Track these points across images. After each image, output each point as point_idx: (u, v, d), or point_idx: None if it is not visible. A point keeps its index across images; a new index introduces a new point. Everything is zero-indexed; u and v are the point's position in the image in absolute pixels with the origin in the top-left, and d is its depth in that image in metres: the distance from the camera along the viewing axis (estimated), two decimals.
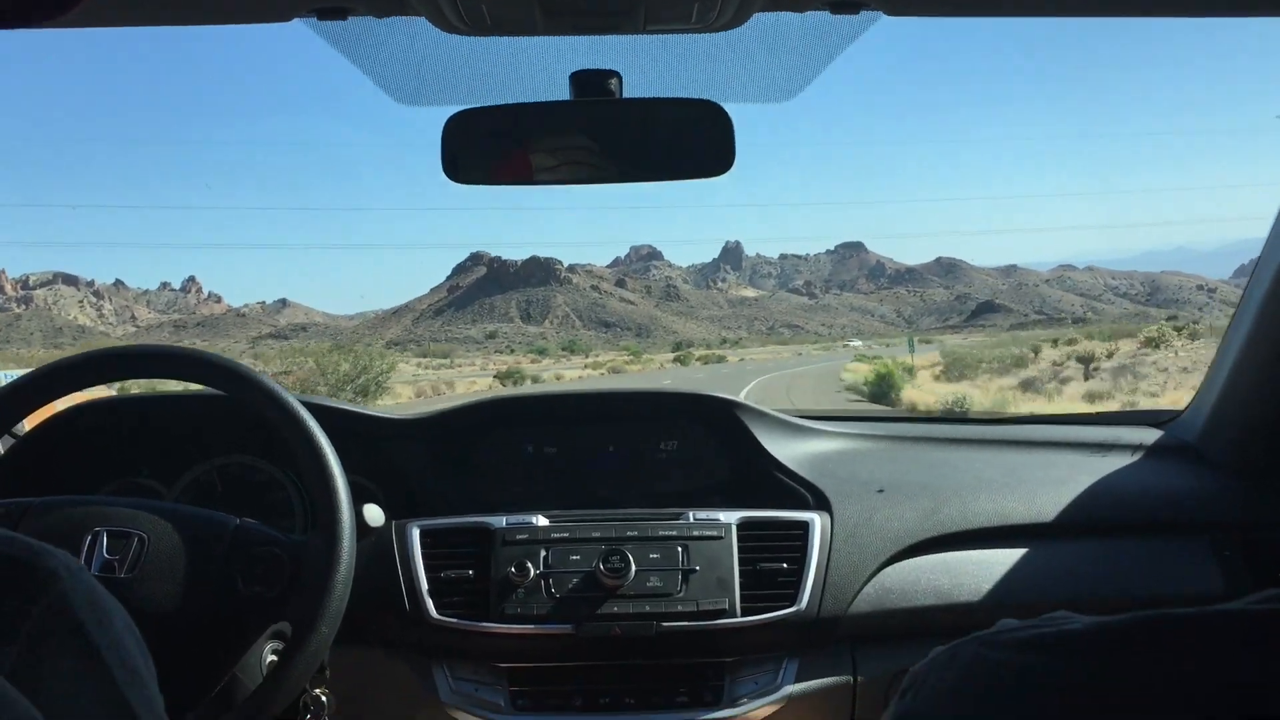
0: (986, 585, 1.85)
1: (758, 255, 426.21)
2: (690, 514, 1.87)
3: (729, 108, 1.56)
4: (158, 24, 1.34)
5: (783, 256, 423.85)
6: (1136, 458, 2.10)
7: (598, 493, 2.11)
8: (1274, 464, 1.97)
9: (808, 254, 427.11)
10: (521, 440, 2.14)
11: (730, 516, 1.86)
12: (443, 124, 1.56)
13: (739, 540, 1.83)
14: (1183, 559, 1.90)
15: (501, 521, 1.86)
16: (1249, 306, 1.94)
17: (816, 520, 1.87)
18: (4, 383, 1.55)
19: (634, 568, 1.75)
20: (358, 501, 1.51)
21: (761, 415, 2.14)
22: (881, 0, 1.25)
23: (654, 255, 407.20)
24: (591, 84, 1.53)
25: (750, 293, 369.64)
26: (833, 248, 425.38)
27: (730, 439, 2.12)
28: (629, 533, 1.84)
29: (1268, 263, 1.86)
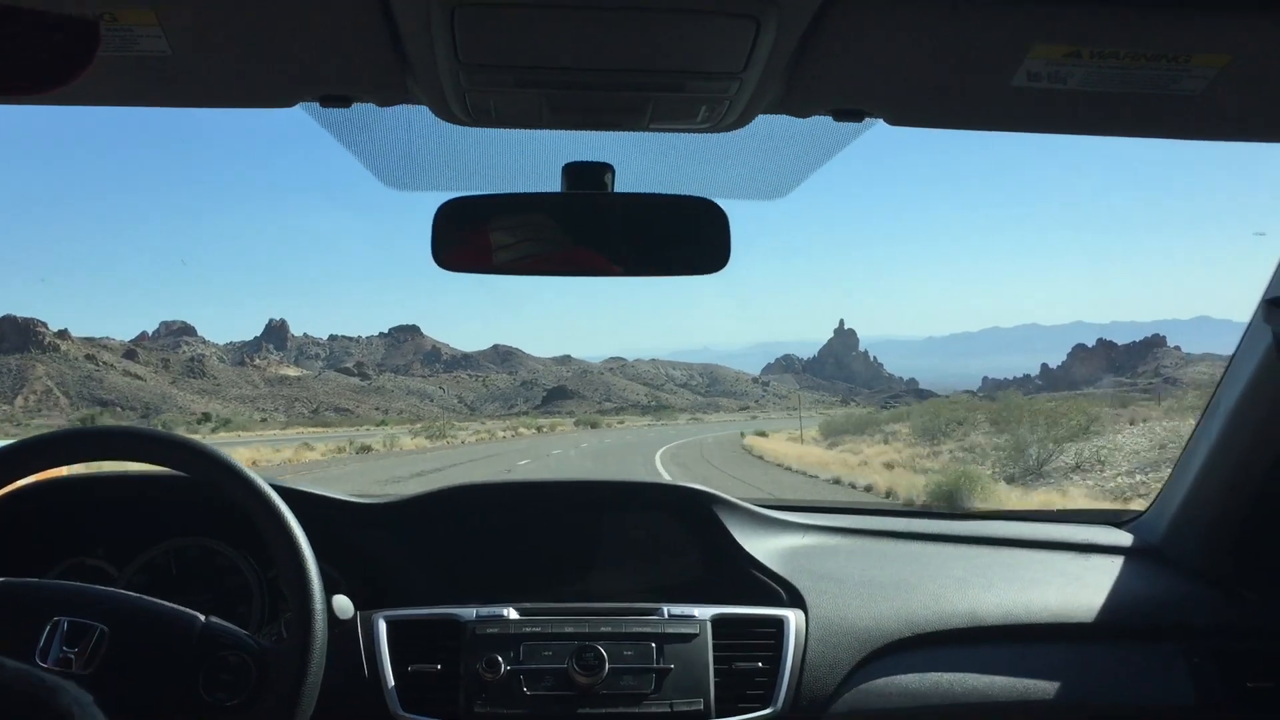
0: (961, 689, 1.84)
1: (305, 335, 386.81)
2: (665, 609, 1.84)
3: (721, 204, 1.54)
4: (158, 105, 1.30)
5: (332, 337, 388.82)
6: (1103, 559, 2.13)
7: (568, 582, 2.07)
8: (1240, 571, 2.01)
9: (360, 335, 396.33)
10: (490, 528, 2.10)
11: (704, 612, 1.83)
12: (434, 210, 1.53)
13: (714, 638, 1.79)
14: (1155, 666, 1.91)
15: (472, 614, 1.81)
16: (1215, 413, 1.98)
17: (791, 617, 1.85)
18: None
19: (608, 665, 1.71)
20: (325, 591, 1.44)
21: (734, 508, 2.13)
22: (883, 109, 1.27)
23: (186, 331, 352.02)
24: (584, 176, 1.53)
25: (293, 371, 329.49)
26: (386, 330, 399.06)
27: (703, 532, 2.10)
28: (602, 628, 1.79)
29: (1236, 373, 1.91)
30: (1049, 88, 1.16)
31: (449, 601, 1.87)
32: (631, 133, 1.39)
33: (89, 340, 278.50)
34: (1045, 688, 1.85)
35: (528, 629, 1.78)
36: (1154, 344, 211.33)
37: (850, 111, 1.26)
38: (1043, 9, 1.02)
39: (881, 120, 1.29)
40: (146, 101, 1.29)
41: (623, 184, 1.55)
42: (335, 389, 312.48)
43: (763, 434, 51.38)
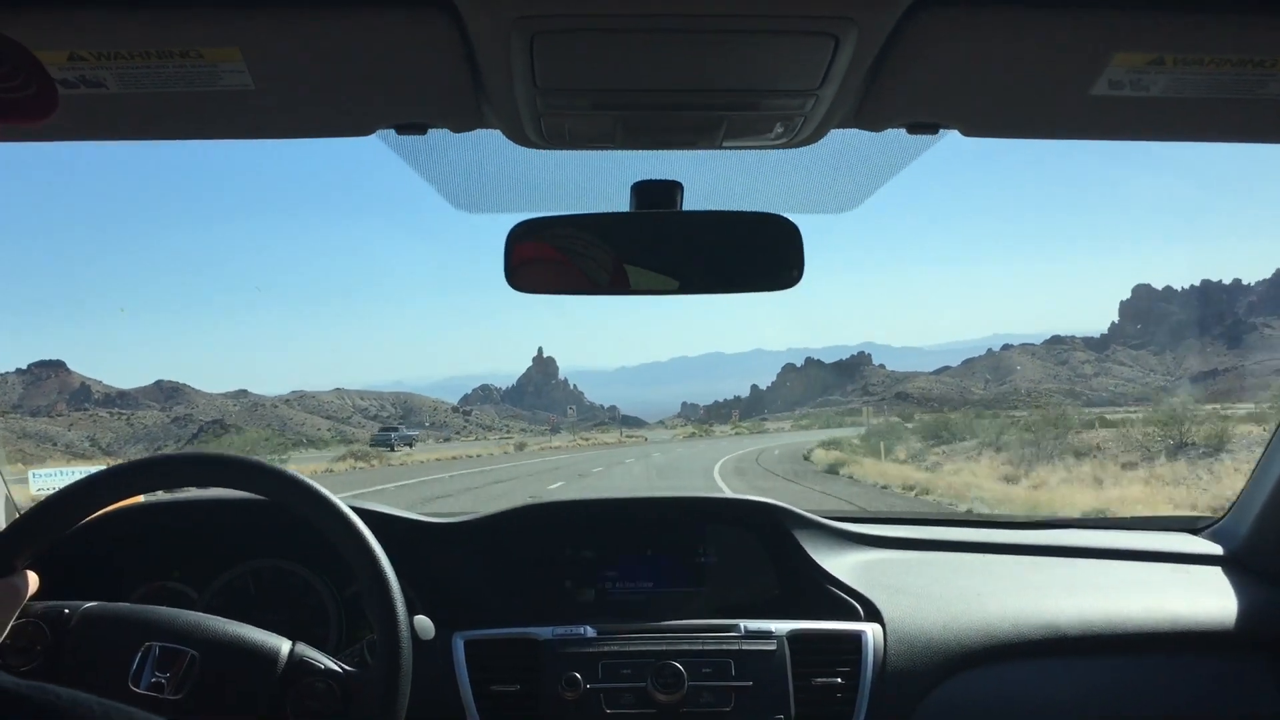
0: (1041, 702, 1.83)
1: None
2: (742, 625, 1.84)
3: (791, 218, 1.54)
4: (240, 137, 1.32)
5: None
6: (1181, 568, 2.10)
7: (643, 599, 2.06)
8: None
9: None
10: (564, 545, 2.10)
11: (782, 628, 1.82)
12: (505, 232, 1.54)
13: (791, 654, 1.79)
14: (1239, 677, 1.89)
15: (549, 633, 1.82)
16: None
17: (869, 632, 1.84)
18: (48, 485, 1.35)
19: (687, 683, 1.71)
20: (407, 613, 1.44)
21: (807, 522, 2.11)
22: (959, 121, 1.25)
23: None
24: (654, 195, 1.53)
25: None
26: (25, 366, 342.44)
27: (776, 547, 2.09)
28: (680, 645, 1.79)
29: None
30: (1131, 95, 1.13)
31: (524, 620, 1.88)
32: (701, 150, 1.38)
33: None
34: (1128, 700, 1.84)
35: (606, 647, 1.79)
36: (860, 362, 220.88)
37: (925, 124, 1.26)
38: (1125, 17, 1.00)
39: (956, 131, 1.28)
40: (229, 134, 1.30)
41: (691, 201, 1.54)
42: None
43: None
